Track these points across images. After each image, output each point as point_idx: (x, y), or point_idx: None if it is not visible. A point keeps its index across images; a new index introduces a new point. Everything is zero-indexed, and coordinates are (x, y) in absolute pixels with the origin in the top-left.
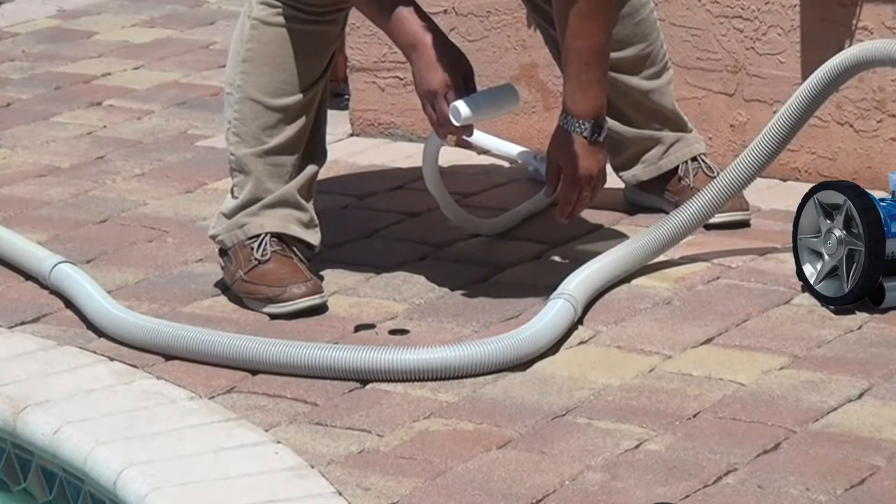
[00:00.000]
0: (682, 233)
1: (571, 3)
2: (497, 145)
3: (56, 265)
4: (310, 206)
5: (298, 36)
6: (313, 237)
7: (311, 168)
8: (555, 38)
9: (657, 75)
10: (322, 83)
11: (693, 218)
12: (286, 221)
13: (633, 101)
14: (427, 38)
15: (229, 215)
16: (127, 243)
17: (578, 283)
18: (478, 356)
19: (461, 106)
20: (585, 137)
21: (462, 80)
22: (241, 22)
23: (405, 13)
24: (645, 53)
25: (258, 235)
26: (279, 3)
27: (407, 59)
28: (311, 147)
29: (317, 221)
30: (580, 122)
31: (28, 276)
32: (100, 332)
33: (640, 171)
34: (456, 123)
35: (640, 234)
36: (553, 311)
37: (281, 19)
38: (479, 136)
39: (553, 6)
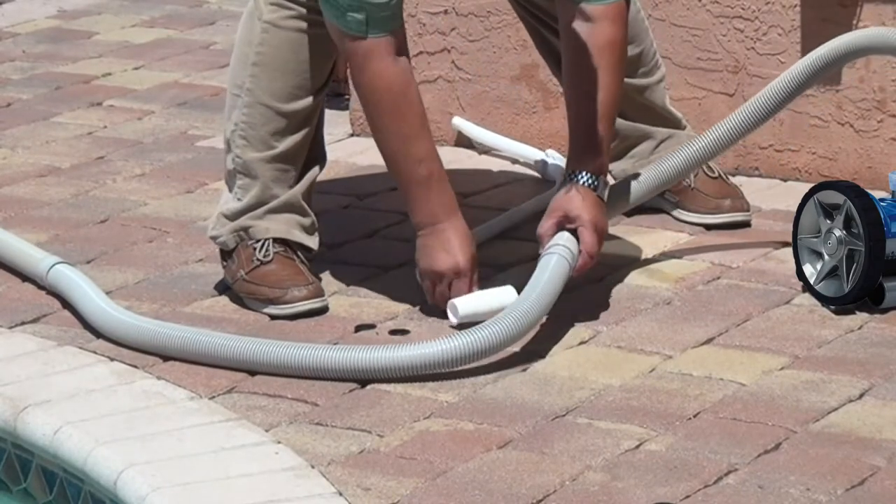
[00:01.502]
0: (671, 178)
1: (608, 62)
2: (501, 144)
3: (53, 266)
4: (310, 210)
5: (310, 40)
6: (313, 242)
7: (313, 172)
8: (547, 41)
9: (648, 74)
10: (328, 86)
11: (687, 161)
12: (289, 227)
13: (624, 98)
14: (447, 221)
15: (231, 217)
16: (127, 243)
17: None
18: (479, 343)
19: (461, 305)
20: (593, 188)
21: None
22: (248, 23)
23: (431, 185)
24: (635, 55)
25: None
26: (292, 6)
27: (416, 228)
28: (313, 151)
29: (317, 226)
30: (588, 175)
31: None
32: (99, 333)
33: (630, 167)
34: (453, 320)
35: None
36: (548, 272)
37: (293, 23)
38: (482, 135)
39: (566, 54)
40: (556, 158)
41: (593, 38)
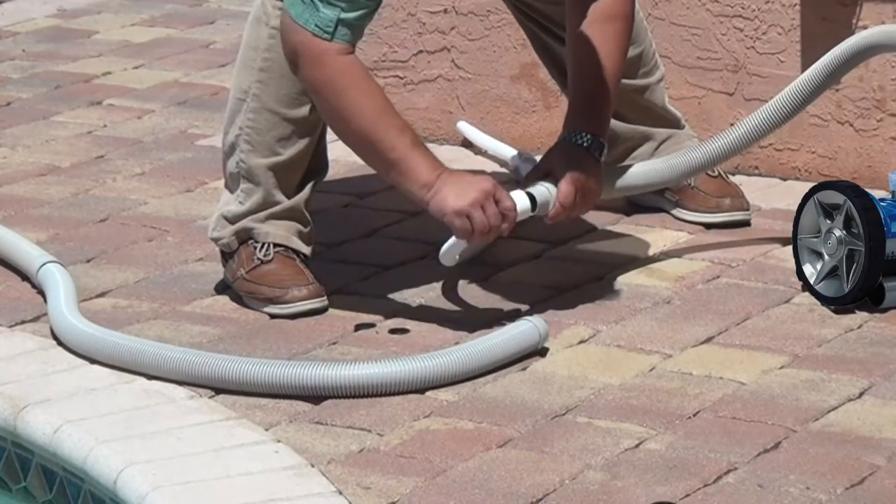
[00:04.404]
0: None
1: (612, 31)
2: (491, 145)
3: (44, 265)
4: (310, 219)
5: None
6: (308, 251)
7: (315, 180)
8: (546, 45)
9: (648, 74)
10: None
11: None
12: (289, 233)
13: (624, 100)
14: (446, 170)
15: (233, 220)
16: (127, 242)
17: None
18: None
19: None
20: (586, 147)
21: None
22: (255, 28)
23: (419, 146)
24: (635, 55)
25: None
26: None
27: (420, 194)
28: (316, 160)
29: (312, 236)
30: (589, 136)
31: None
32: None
33: None
34: (529, 212)
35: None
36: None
37: None
38: (486, 142)
39: (573, 20)
40: None
41: (603, 9)
